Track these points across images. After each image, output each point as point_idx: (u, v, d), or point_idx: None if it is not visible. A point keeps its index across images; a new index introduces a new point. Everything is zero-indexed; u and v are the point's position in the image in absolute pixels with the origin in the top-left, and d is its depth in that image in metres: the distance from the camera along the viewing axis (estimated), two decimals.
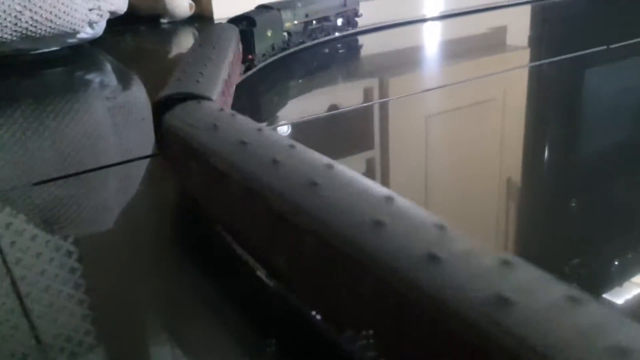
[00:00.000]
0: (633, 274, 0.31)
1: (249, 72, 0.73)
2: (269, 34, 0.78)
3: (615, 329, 0.15)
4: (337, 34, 0.98)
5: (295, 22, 0.86)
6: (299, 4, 0.87)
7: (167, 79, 0.43)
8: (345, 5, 0.97)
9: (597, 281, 0.31)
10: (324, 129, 0.56)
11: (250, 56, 0.73)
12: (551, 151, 0.49)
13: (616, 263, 0.32)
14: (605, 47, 0.70)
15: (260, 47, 0.75)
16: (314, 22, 0.91)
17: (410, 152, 0.49)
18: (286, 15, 0.83)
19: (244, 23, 0.73)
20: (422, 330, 0.17)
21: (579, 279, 0.30)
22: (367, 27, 1.04)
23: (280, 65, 0.81)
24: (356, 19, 1.01)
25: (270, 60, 0.79)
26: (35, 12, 0.79)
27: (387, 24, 1.05)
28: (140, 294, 0.30)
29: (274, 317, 0.27)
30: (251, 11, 0.79)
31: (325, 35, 0.95)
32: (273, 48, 0.81)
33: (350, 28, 1.00)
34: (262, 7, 0.82)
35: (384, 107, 0.61)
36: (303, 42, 0.89)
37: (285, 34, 0.84)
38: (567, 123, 0.55)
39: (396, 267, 0.18)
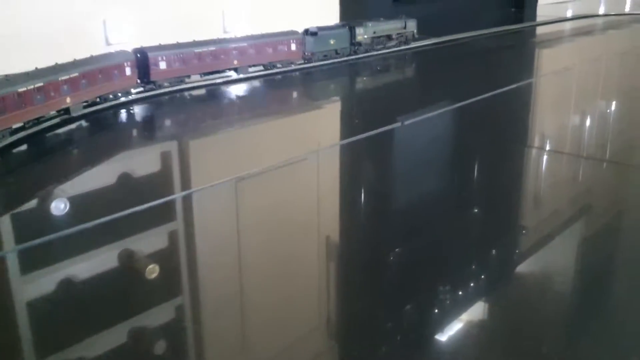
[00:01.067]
0: (456, 314, 0.36)
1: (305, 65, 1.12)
2: (332, 42, 1.16)
3: None
4: (393, 49, 1.33)
5: (366, 36, 1.24)
6: (370, 24, 1.25)
7: None
8: (405, 27, 1.35)
9: (425, 324, 0.35)
10: None
11: (306, 53, 1.12)
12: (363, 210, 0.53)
13: (436, 310, 0.36)
14: (399, 123, 0.78)
15: (319, 49, 1.14)
16: (381, 38, 1.29)
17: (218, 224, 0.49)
18: (359, 31, 1.22)
19: (309, 31, 1.12)
20: None
21: (407, 324, 0.34)
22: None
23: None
24: (412, 40, 1.37)
25: (334, 60, 1.17)
26: None
27: None
28: None
29: None
30: (327, 25, 1.18)
31: (385, 49, 1.31)
32: (337, 52, 1.18)
33: (405, 45, 1.36)
34: (342, 24, 1.22)
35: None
36: (369, 51, 1.26)
37: (353, 45, 1.22)
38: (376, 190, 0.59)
39: None
